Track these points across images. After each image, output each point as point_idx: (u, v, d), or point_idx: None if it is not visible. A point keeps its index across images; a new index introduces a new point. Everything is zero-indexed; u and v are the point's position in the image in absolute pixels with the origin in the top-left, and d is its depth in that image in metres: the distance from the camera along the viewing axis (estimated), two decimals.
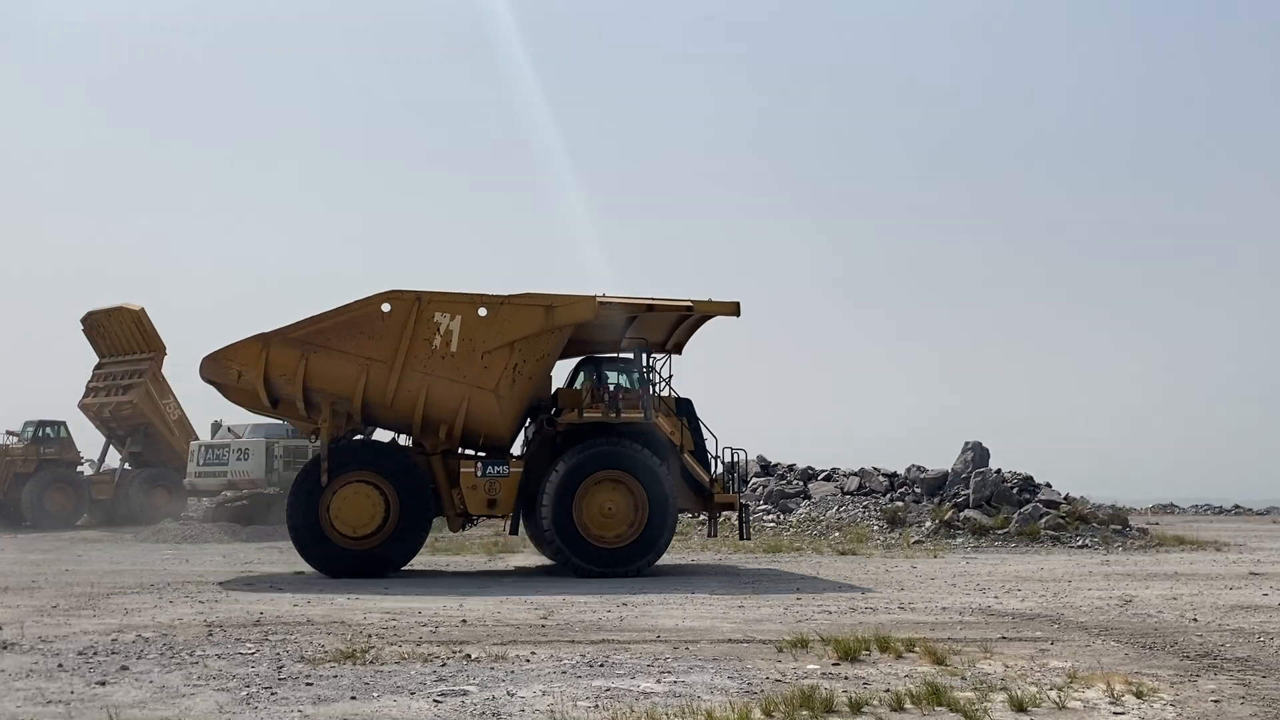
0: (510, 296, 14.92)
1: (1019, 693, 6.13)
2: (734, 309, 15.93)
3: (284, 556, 17.11)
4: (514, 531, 16.32)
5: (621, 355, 16.94)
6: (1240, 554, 19.50)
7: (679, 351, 17.26)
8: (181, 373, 28.57)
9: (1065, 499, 23.99)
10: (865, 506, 24.95)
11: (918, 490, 25.88)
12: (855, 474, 27.51)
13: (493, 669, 7.10)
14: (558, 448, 15.27)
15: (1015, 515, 22.38)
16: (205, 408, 30.34)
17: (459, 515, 15.50)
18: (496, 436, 15.37)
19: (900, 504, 24.82)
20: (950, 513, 23.07)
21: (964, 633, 8.95)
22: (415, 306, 14.68)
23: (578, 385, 16.53)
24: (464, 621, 9.71)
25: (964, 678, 6.75)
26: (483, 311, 14.86)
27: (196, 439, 28.23)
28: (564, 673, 6.97)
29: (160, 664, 7.31)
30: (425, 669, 7.11)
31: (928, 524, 22.85)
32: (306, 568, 14.80)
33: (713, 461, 16.45)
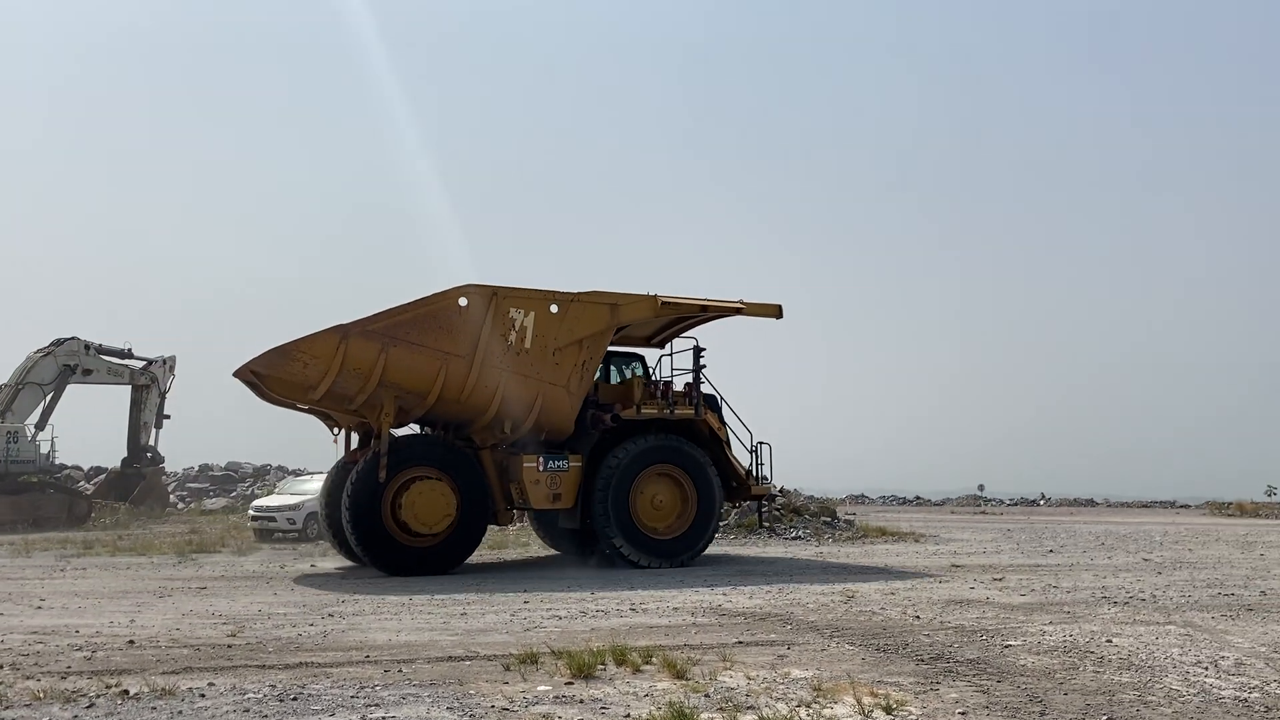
0: (579, 294, 15.11)
1: (769, 713, 5.62)
2: (776, 311, 16.62)
3: None
4: (582, 524, 15.56)
5: (628, 350, 17.50)
6: (937, 545, 20.62)
7: (661, 346, 17.90)
8: None
9: (780, 491, 24.63)
10: None
11: None
12: None
13: (153, 710, 5.79)
14: (606, 442, 15.42)
15: (733, 508, 22.65)
16: None
17: (508, 509, 15.62)
18: (562, 431, 15.29)
19: None
20: None
21: (700, 637, 8.47)
22: (492, 301, 14.57)
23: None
24: (131, 643, 8.18)
25: (708, 695, 6.18)
26: (554, 308, 14.96)
27: None
28: (245, 711, 5.78)
29: None
30: (63, 713, 5.70)
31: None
32: None
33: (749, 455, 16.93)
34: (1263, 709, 5.84)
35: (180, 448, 38.90)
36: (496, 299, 14.58)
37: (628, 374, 17.09)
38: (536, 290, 14.94)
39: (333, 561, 16.47)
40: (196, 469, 39.38)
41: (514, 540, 20.08)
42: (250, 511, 22.28)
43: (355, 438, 16.12)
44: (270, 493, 26.45)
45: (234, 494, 35.68)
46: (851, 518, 26.31)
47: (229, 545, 19.57)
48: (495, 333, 14.52)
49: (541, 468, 15.04)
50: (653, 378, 16.86)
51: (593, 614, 10.02)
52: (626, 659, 7.07)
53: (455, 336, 14.33)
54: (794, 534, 22.25)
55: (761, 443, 17.08)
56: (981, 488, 51.85)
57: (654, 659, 7.12)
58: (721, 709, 5.80)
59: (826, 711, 5.78)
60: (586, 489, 15.21)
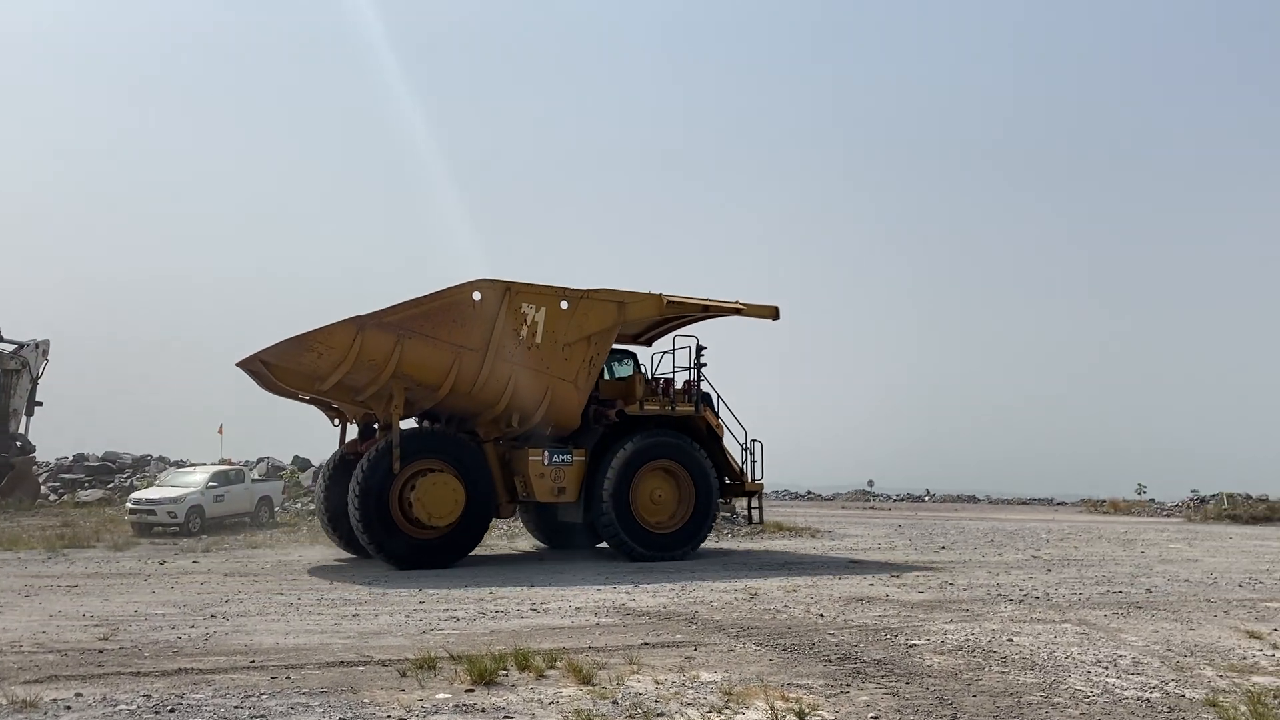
0: (589, 291, 15.31)
1: None
2: (773, 313, 16.96)
3: None
4: (583, 520, 15.97)
5: (620, 348, 17.43)
6: (833, 540, 20.85)
7: (648, 344, 18.17)
8: None
9: None
10: None
11: None
12: None
13: None
14: (608, 437, 15.65)
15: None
16: None
17: (510, 502, 15.75)
18: (568, 425, 15.48)
19: None
20: None
21: (604, 639, 8.25)
22: (505, 296, 14.68)
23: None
24: None
25: (616, 701, 5.96)
26: (564, 305, 15.16)
27: None
28: None
29: None
30: None
31: None
32: None
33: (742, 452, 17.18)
34: (1165, 709, 5.89)
35: (54, 436, 36.98)
36: (510, 294, 14.74)
37: (620, 371, 17.34)
38: (548, 286, 15.13)
39: (219, 558, 15.76)
40: (71, 458, 37.43)
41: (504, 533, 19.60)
42: (128, 504, 21.19)
43: (350, 430, 16.32)
44: (150, 484, 25.24)
45: (111, 485, 33.98)
46: (749, 513, 26.37)
47: (104, 540, 18.58)
48: (508, 327, 14.69)
49: (546, 461, 15.29)
50: (645, 375, 17.08)
51: (492, 614, 9.71)
52: (530, 663, 6.81)
53: (469, 330, 14.45)
54: None
55: (754, 440, 17.39)
56: (871, 483, 52.86)
57: (558, 663, 6.87)
58: (631, 716, 5.59)
59: (738, 718, 5.62)
60: (589, 483, 15.42)
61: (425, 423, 15.64)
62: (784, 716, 5.63)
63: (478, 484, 14.59)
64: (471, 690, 6.24)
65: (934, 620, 9.38)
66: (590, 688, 6.28)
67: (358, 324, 13.78)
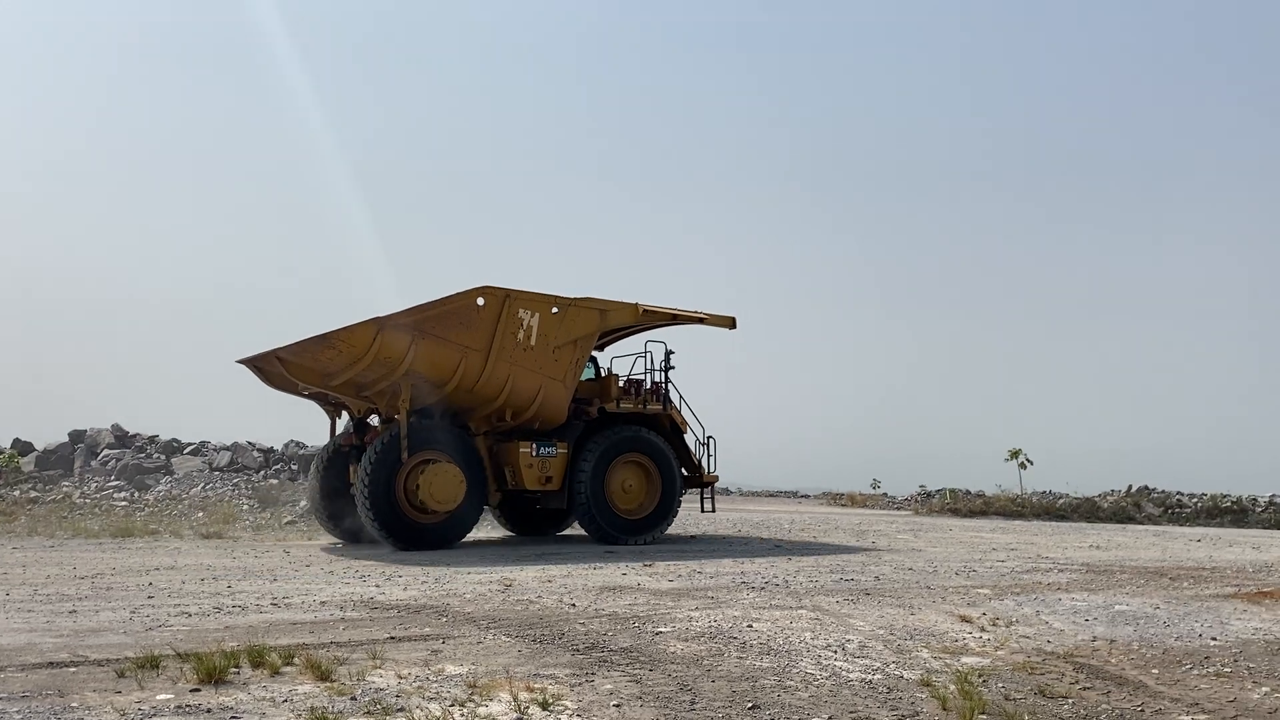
0: (576, 300, 17.01)
1: (420, 714, 5.31)
2: (731, 323, 18.91)
3: None
4: (566, 506, 17.54)
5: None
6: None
7: (601, 349, 19.74)
8: None
9: None
10: (236, 484, 22.95)
11: (294, 467, 24.50)
12: (228, 448, 25.29)
13: None
14: (586, 432, 17.49)
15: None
16: None
17: (498, 490, 17.23)
18: (555, 421, 17.08)
19: (275, 481, 23.25)
20: None
21: (348, 634, 7.97)
22: (505, 302, 16.14)
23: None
24: None
25: (354, 697, 5.76)
26: (555, 310, 16.70)
27: None
28: None
29: None
30: None
31: (303, 503, 21.58)
32: None
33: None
34: (885, 690, 6.32)
35: None
36: (509, 300, 16.25)
37: (586, 372, 18.60)
38: (541, 294, 16.68)
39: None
40: None
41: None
42: None
43: (340, 424, 17.53)
44: None
45: None
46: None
47: None
48: (507, 330, 16.19)
49: (535, 453, 16.96)
50: (603, 374, 18.84)
51: (229, 610, 9.18)
52: (264, 660, 6.47)
53: (473, 332, 15.90)
54: None
55: (710, 436, 19.41)
56: None
57: (296, 659, 6.57)
58: (369, 712, 5.42)
59: (482, 710, 5.56)
60: (569, 473, 17.18)
61: (413, 417, 16.25)
62: (528, 707, 5.62)
63: (474, 473, 16.03)
64: (197, 690, 5.86)
65: (680, 608, 9.66)
66: (328, 684, 6.04)
67: (378, 324, 14.90)
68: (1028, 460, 44.67)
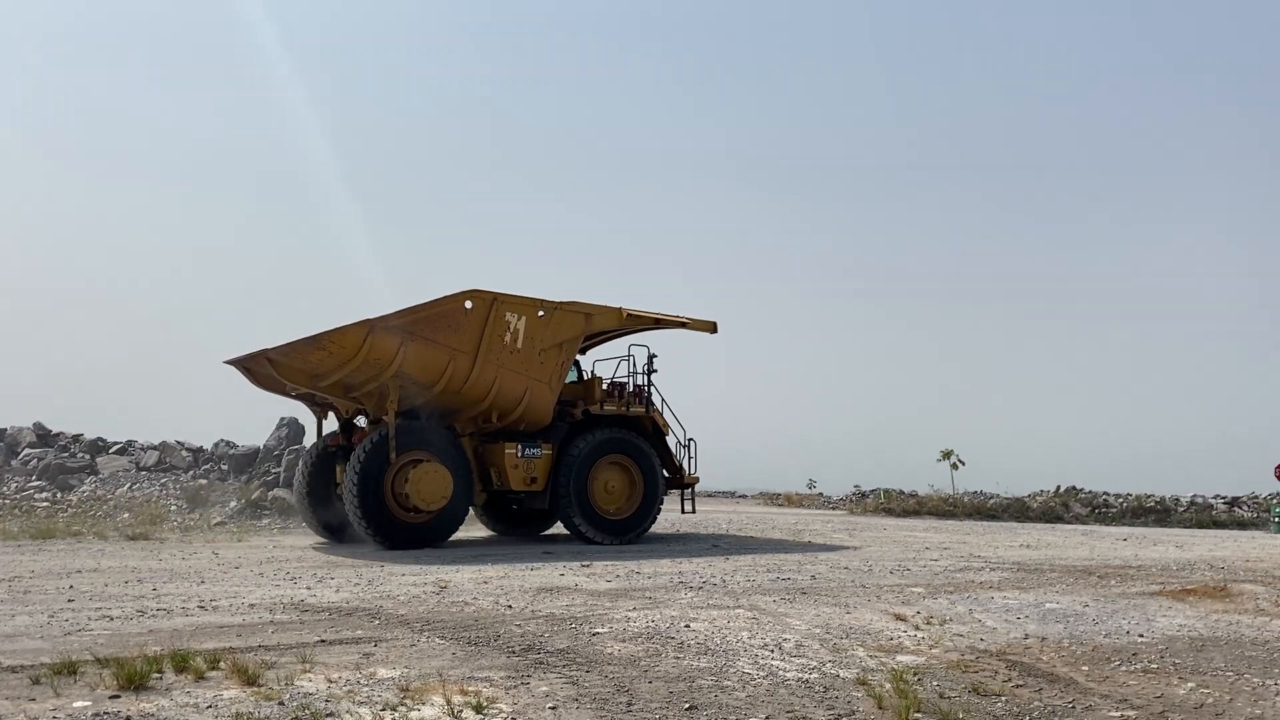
0: (561, 303, 17.20)
1: (350, 719, 5.18)
2: (712, 327, 19.24)
3: None
4: (550, 508, 17.70)
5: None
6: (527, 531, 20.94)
7: (584, 352, 19.70)
8: None
9: None
10: (164, 484, 22.39)
11: (224, 467, 23.98)
12: (155, 448, 24.68)
13: None
14: (570, 433, 17.64)
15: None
16: None
17: (483, 491, 17.40)
18: (541, 422, 17.20)
19: (204, 481, 22.72)
20: (259, 492, 21.62)
21: (277, 637, 7.78)
22: (493, 305, 16.30)
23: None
24: None
25: (282, 702, 5.60)
26: (541, 314, 16.88)
27: None
28: None
29: None
30: None
31: (233, 504, 21.13)
32: None
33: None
34: (821, 689, 6.32)
35: None
36: (496, 303, 16.36)
37: (569, 375, 18.65)
38: (528, 298, 16.82)
39: None
40: None
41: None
42: None
43: (327, 425, 17.58)
44: None
45: None
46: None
47: None
48: (494, 333, 16.31)
49: (520, 454, 17.12)
50: (587, 377, 18.96)
51: (153, 613, 8.91)
52: (189, 665, 6.28)
53: (461, 335, 16.01)
54: None
55: (691, 438, 19.56)
56: None
57: (221, 664, 6.39)
58: (298, 718, 5.28)
59: (414, 714, 5.45)
60: (553, 474, 17.30)
61: (401, 418, 16.20)
62: (461, 711, 5.52)
63: (461, 474, 16.09)
64: (117, 696, 5.66)
65: (618, 608, 9.60)
66: (255, 689, 5.87)
67: (368, 326, 14.93)
68: (960, 461, 45.43)
